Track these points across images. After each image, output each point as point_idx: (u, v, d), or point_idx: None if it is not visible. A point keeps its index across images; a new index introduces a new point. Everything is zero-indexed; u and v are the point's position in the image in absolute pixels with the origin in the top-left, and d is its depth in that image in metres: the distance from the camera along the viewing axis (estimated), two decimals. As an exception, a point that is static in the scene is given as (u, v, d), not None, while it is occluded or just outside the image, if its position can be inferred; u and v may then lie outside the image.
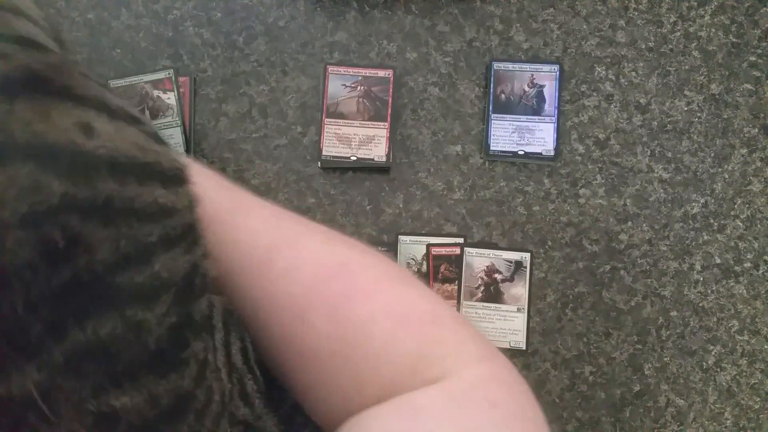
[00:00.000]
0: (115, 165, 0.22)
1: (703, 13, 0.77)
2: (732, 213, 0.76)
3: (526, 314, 0.74)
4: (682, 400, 0.75)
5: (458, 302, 0.75)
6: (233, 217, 0.28)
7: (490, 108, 0.76)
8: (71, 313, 0.19)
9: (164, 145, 0.26)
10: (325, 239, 0.32)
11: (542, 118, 0.76)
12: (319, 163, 0.75)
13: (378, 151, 0.74)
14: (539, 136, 0.76)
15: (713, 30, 0.77)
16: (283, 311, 0.30)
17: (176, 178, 0.25)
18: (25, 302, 0.18)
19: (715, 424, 0.75)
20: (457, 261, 0.75)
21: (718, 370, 0.75)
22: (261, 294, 0.30)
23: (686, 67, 0.77)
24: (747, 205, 0.76)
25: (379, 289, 0.30)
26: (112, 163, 0.22)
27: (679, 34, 0.77)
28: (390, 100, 0.75)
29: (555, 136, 0.75)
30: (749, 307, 0.75)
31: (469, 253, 0.75)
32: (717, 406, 0.75)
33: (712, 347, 0.75)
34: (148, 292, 0.22)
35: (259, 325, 0.31)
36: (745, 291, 0.75)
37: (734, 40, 0.77)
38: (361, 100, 0.75)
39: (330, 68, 0.75)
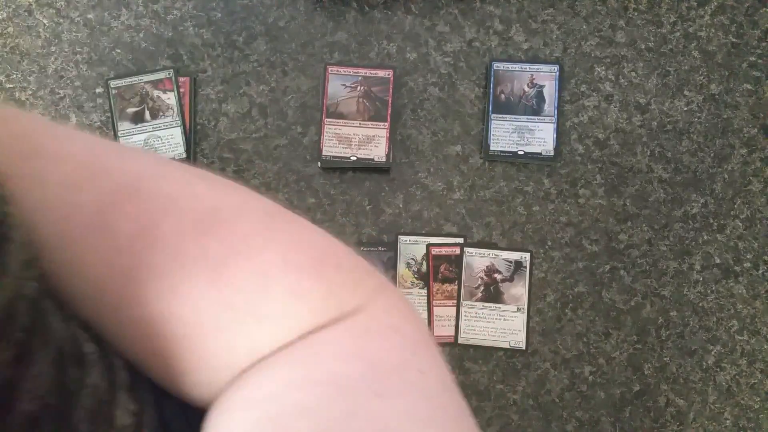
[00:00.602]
0: None
1: (702, 13, 0.77)
2: (732, 213, 0.76)
3: (525, 314, 0.74)
4: (681, 400, 0.75)
5: (458, 302, 0.75)
6: (32, 161, 0.19)
7: (490, 108, 0.76)
8: None
9: None
10: (176, 179, 0.24)
11: (542, 118, 0.76)
12: (319, 163, 0.75)
13: (378, 151, 0.75)
14: (539, 136, 0.76)
15: (713, 30, 0.77)
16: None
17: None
18: None
19: (714, 423, 0.75)
20: (457, 261, 0.75)
21: (718, 370, 0.75)
22: (105, 270, 0.22)
23: (686, 67, 0.77)
24: (747, 205, 0.76)
25: (268, 236, 0.24)
26: None
27: (678, 34, 0.77)
28: (390, 100, 0.75)
29: (555, 136, 0.76)
30: (749, 307, 0.75)
31: (469, 253, 0.75)
32: (717, 406, 0.75)
33: (711, 347, 0.75)
34: None
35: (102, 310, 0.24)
36: (744, 291, 0.75)
37: (734, 40, 0.77)
38: (361, 100, 0.75)
39: (330, 68, 0.75)
